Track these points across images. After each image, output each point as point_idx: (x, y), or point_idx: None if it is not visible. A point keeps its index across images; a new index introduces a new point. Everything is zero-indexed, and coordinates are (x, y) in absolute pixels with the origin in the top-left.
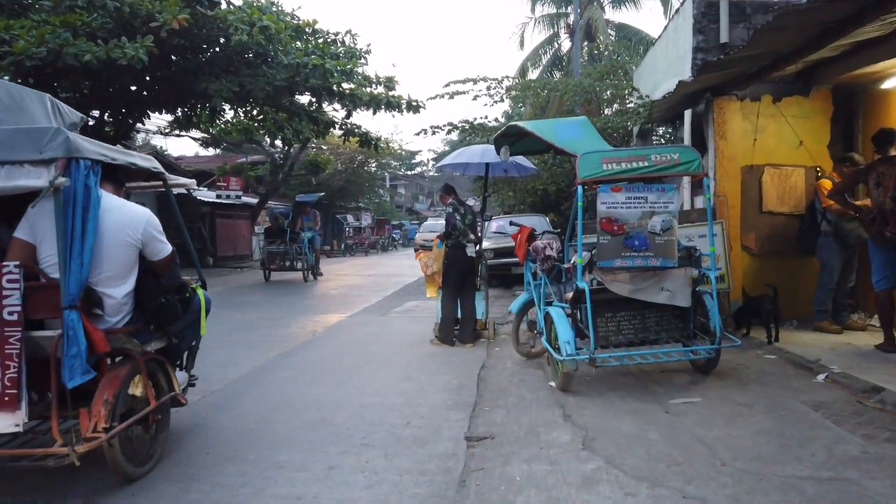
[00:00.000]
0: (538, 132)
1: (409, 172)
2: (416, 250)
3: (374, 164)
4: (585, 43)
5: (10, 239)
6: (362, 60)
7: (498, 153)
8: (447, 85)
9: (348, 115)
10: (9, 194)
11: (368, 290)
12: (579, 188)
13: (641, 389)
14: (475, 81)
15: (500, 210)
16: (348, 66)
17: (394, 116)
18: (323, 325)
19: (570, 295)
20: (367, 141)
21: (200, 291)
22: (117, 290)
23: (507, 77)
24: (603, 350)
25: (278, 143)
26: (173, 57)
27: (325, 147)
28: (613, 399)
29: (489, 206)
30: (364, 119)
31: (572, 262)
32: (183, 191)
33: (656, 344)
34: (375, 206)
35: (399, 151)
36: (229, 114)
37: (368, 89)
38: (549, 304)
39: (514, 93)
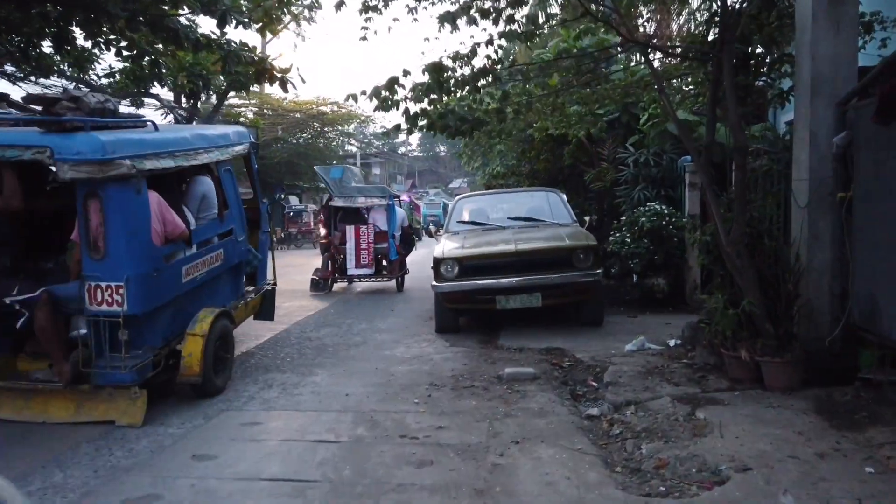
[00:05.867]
0: None
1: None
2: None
3: (337, 136)
4: None
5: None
6: None
7: None
8: None
9: (222, 22)
10: (366, 206)
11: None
12: None
13: None
14: None
15: (482, 179)
16: None
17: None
18: None
19: None
20: (263, 70)
21: (414, 239)
22: (398, 234)
23: None
24: None
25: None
26: None
27: (267, 111)
28: None
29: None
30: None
31: None
32: None
33: None
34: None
35: (360, 115)
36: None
37: None
38: None
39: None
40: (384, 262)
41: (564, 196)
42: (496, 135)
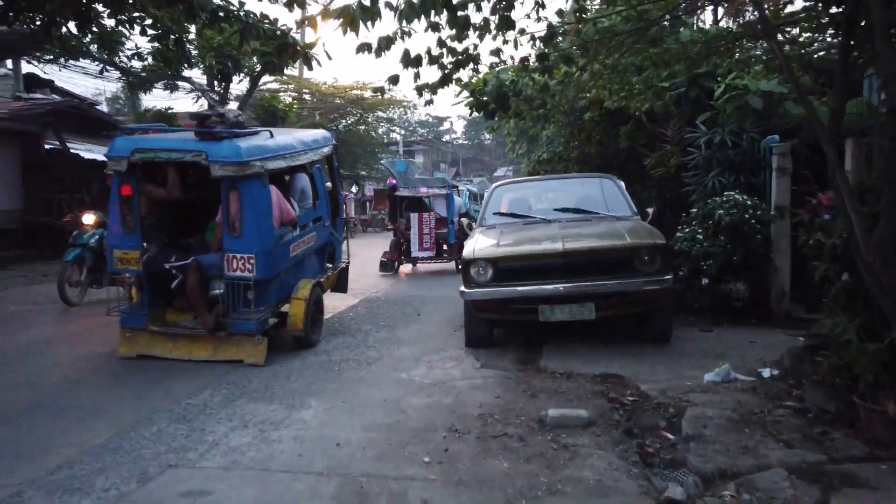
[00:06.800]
0: None
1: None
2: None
3: (381, 122)
4: None
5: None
6: None
7: None
8: None
9: None
10: (428, 196)
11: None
12: None
13: None
14: None
15: (527, 166)
16: None
17: None
18: None
19: None
20: (285, 45)
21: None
22: (456, 220)
23: None
24: None
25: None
26: None
27: (306, 95)
28: None
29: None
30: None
31: None
32: None
33: None
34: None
35: (405, 102)
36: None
37: None
38: None
39: None
40: (444, 246)
41: (622, 183)
42: (540, 102)
